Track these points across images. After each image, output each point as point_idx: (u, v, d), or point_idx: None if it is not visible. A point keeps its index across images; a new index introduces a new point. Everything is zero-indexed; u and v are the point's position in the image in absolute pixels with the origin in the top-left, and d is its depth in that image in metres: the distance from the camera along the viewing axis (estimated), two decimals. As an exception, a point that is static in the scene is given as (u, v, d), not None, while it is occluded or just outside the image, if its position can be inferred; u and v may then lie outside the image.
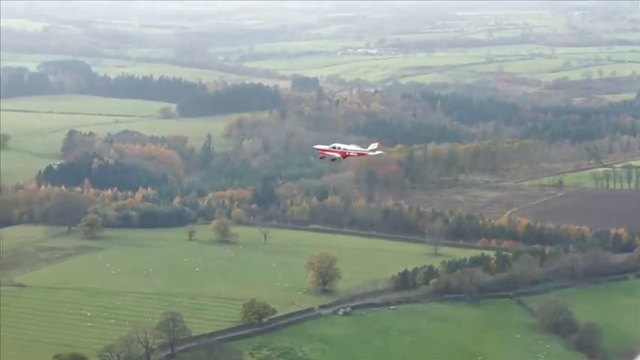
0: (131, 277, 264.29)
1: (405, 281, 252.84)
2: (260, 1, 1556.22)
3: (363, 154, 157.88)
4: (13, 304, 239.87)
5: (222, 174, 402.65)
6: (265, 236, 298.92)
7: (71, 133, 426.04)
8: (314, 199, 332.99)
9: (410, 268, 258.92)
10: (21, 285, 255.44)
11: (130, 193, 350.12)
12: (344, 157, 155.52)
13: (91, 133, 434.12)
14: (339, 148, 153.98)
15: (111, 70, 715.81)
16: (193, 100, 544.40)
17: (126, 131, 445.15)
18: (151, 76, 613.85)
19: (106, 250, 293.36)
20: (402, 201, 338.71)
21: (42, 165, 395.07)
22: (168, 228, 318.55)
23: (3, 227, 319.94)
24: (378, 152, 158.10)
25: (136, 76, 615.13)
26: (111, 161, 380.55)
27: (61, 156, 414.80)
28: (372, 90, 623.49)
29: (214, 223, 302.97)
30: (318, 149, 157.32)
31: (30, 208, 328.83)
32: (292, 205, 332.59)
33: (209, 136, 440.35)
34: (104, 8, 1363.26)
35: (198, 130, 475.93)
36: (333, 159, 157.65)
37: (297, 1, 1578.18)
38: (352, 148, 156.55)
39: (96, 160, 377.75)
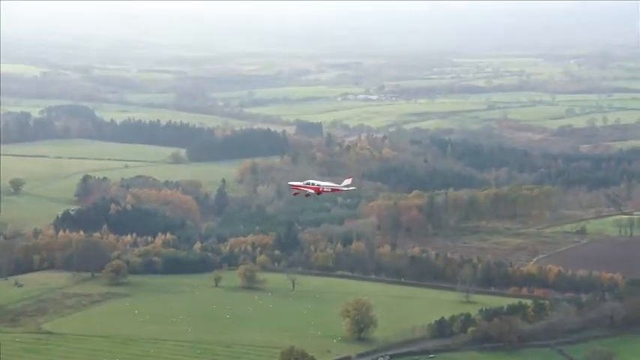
0: (161, 325, 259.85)
1: (441, 329, 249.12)
2: (258, 47, 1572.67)
3: (338, 190, 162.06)
4: (44, 353, 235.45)
5: (239, 219, 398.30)
6: (293, 283, 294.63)
7: (85, 178, 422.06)
8: (338, 245, 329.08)
9: (446, 316, 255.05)
10: (49, 332, 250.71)
11: (149, 238, 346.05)
12: (318, 194, 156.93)
13: (105, 178, 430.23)
14: (313, 184, 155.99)
15: (113, 114, 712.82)
16: (202, 145, 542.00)
17: (140, 176, 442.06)
18: (158, 121, 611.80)
19: (132, 296, 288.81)
20: (428, 248, 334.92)
21: (57, 210, 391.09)
22: (192, 274, 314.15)
23: (24, 273, 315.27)
24: (351, 188, 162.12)
25: (142, 121, 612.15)
26: (128, 206, 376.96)
27: (76, 201, 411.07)
28: (378, 135, 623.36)
29: (241, 269, 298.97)
30: (292, 186, 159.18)
31: (51, 254, 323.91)
32: (316, 251, 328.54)
33: (223, 181, 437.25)
34: (102, 54, 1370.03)
35: (209, 175, 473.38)
36: (307, 195, 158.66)
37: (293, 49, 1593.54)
38: (326, 184, 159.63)
39: (113, 205, 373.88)
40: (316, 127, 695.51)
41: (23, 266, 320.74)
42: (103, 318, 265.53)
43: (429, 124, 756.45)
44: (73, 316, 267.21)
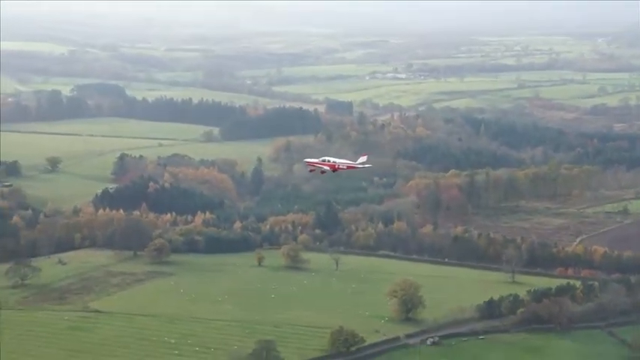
0: (207, 304, 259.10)
1: (490, 310, 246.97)
2: (279, 27, 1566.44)
3: (353, 167, 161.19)
4: (94, 331, 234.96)
5: (276, 198, 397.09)
6: (337, 262, 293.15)
7: (122, 156, 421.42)
8: (379, 225, 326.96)
9: (493, 297, 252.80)
10: (97, 311, 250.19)
11: (189, 217, 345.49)
12: (334, 170, 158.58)
13: (141, 157, 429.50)
14: (329, 161, 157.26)
15: (142, 93, 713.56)
16: (235, 123, 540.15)
17: (175, 155, 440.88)
18: (190, 99, 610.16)
19: (176, 275, 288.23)
20: (469, 227, 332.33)
21: (95, 188, 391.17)
22: (233, 253, 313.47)
23: (65, 252, 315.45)
24: (367, 165, 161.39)
25: (174, 99, 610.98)
26: (166, 185, 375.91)
27: (113, 179, 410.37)
28: (410, 114, 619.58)
29: (284, 248, 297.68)
30: (308, 162, 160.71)
31: (92, 233, 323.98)
32: (357, 230, 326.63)
33: (259, 160, 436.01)
34: (124, 32, 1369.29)
35: (243, 153, 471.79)
36: (323, 172, 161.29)
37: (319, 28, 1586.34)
38: (341, 161, 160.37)
39: (152, 183, 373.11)
40: (346, 106, 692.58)
41: (64, 244, 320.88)
42: (149, 297, 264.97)
43: (460, 103, 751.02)
44: (119, 295, 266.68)
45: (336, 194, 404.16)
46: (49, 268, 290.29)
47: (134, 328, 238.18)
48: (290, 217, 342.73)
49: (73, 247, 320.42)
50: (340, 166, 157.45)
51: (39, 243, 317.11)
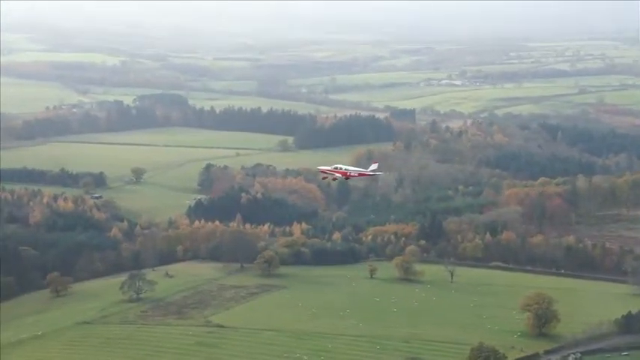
0: (328, 318, 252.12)
1: (629, 325, 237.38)
2: (320, 35, 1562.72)
3: (365, 175, 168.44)
4: (222, 347, 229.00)
5: (366, 208, 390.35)
6: (452, 274, 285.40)
7: (208, 167, 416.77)
8: (487, 235, 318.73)
9: (623, 311, 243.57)
10: (220, 326, 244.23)
11: (287, 228, 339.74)
12: (346, 178, 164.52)
13: (225, 167, 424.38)
14: (341, 169, 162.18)
15: (200, 102, 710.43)
16: (309, 132, 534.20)
17: (259, 164, 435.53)
18: (259, 108, 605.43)
19: (288, 288, 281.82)
20: (581, 237, 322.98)
21: (182, 199, 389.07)
22: (339, 265, 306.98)
23: (167, 264, 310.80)
24: (378, 173, 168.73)
25: (243, 109, 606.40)
26: (259, 195, 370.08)
27: (199, 190, 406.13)
28: (481, 121, 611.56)
29: (397, 260, 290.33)
30: (321, 170, 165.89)
31: (194, 244, 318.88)
32: (463, 241, 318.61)
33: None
34: (171, 42, 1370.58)
35: (321, 162, 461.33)
36: (334, 178, 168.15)
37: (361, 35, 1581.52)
38: (354, 168, 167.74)
39: (244, 194, 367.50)
40: (409, 113, 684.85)
41: (166, 257, 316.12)
42: (268, 311, 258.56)
43: (521, 109, 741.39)
44: (237, 309, 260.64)
45: (425, 203, 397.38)
46: (158, 281, 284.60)
47: (262, 344, 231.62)
48: (391, 227, 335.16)
49: (175, 260, 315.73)
50: (352, 174, 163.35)
51: (141, 256, 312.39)
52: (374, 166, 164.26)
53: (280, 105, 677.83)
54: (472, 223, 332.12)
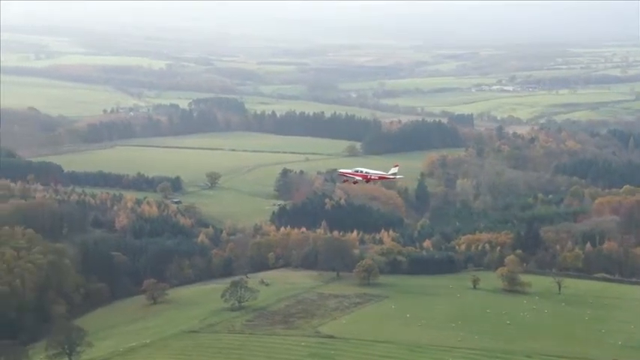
0: (440, 330, 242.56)
1: None
2: (357, 40, 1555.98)
3: (385, 178, 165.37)
4: (338, 359, 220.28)
5: (448, 216, 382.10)
6: (559, 285, 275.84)
7: (285, 172, 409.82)
8: (587, 245, 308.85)
9: None
10: (331, 337, 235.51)
11: (376, 236, 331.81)
12: (367, 181, 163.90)
13: (301, 172, 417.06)
14: (362, 172, 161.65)
15: (254, 106, 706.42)
16: (376, 137, 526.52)
17: (333, 169, 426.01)
18: (322, 113, 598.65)
19: (391, 298, 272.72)
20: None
21: (261, 204, 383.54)
22: (437, 275, 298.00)
23: (259, 271, 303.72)
24: (398, 176, 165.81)
25: (305, 113, 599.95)
26: (342, 202, 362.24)
27: (277, 195, 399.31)
28: (543, 127, 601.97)
29: (502, 270, 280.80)
30: (341, 173, 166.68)
31: (286, 252, 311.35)
32: (563, 250, 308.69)
33: (422, 175, 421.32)
34: (213, 46, 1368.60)
35: (390, 168, 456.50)
36: (355, 182, 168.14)
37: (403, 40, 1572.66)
38: (374, 172, 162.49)
39: (328, 200, 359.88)
40: (467, 119, 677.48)
41: (257, 264, 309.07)
42: (376, 322, 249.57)
43: (580, 115, 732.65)
44: (344, 319, 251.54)
45: (506, 211, 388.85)
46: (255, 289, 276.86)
47: (377, 357, 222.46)
48: (483, 236, 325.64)
49: (266, 267, 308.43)
50: (372, 177, 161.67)
51: (232, 263, 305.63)
52: (394, 169, 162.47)
53: (332, 109, 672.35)
54: (569, 232, 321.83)
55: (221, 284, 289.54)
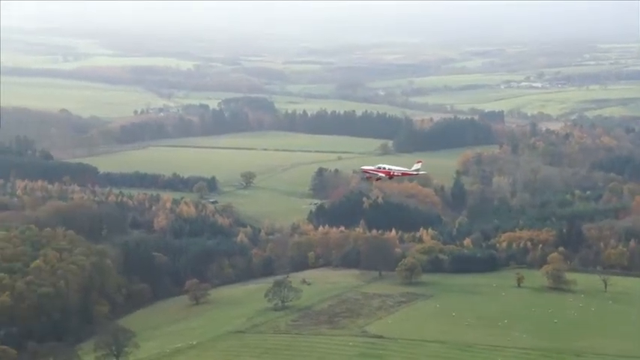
0: (488, 329, 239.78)
1: None
2: (381, 38, 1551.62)
3: (408, 174, 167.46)
4: (388, 359, 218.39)
5: (486, 213, 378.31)
6: (606, 283, 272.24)
7: (320, 171, 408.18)
8: (631, 242, 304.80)
9: None
10: (379, 336, 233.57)
11: (415, 234, 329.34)
12: (390, 177, 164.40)
13: (336, 171, 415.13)
14: (385, 168, 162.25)
15: (283, 105, 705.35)
16: (408, 135, 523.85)
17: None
18: (354, 111, 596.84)
19: (435, 297, 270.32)
20: None
21: (297, 204, 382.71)
22: (479, 273, 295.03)
23: (299, 271, 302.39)
24: (422, 172, 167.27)
25: (337, 112, 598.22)
26: (380, 200, 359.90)
27: (312, 195, 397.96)
28: (577, 123, 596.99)
29: (547, 268, 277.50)
30: (364, 170, 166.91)
31: (326, 251, 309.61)
32: (607, 248, 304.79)
33: (458, 173, 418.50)
34: (239, 47, 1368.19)
35: (425, 166, 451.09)
36: (378, 178, 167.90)
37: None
38: (397, 168, 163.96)
39: (365, 199, 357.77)
40: (497, 116, 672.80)
41: (297, 263, 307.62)
42: (422, 321, 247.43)
43: (612, 112, 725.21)
44: (390, 319, 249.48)
45: (544, 208, 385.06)
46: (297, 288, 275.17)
47: (428, 357, 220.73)
48: (524, 233, 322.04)
49: (306, 267, 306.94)
50: (395, 173, 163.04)
51: (272, 262, 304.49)
52: (417, 165, 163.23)
53: (362, 107, 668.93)
54: (612, 229, 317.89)
55: (262, 284, 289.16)
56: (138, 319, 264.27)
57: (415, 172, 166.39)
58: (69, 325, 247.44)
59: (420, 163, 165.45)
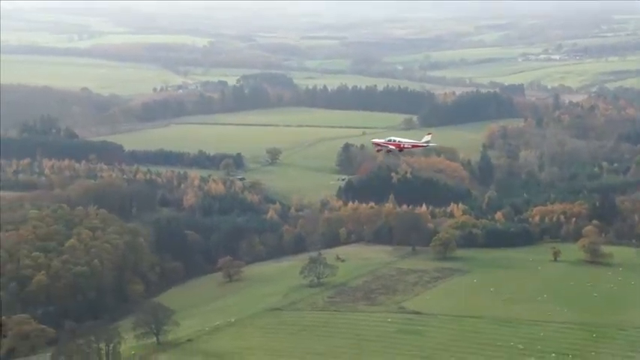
0: (527, 304, 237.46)
1: None
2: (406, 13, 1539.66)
3: (418, 146, 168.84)
4: (427, 335, 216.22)
5: (515, 187, 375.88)
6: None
7: (346, 146, 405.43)
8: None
9: None
10: (417, 312, 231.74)
11: (446, 209, 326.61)
12: (400, 150, 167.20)
13: (362, 146, 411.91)
14: (395, 141, 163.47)
15: (301, 81, 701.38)
16: (432, 110, 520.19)
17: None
18: (375, 86, 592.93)
19: (471, 272, 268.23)
20: None
21: (324, 179, 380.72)
22: (513, 247, 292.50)
23: (331, 247, 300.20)
24: (432, 144, 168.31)
25: (358, 87, 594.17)
26: (408, 175, 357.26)
27: (339, 170, 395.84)
28: (601, 95, 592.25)
29: (583, 241, 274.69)
30: (375, 143, 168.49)
31: (357, 227, 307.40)
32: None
33: (484, 147, 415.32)
34: (252, 23, 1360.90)
35: (451, 141, 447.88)
36: (389, 151, 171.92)
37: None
38: (406, 140, 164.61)
39: (394, 174, 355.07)
40: (517, 89, 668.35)
41: (329, 240, 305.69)
42: (460, 296, 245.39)
43: (632, 83, 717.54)
44: (426, 295, 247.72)
45: (573, 181, 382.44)
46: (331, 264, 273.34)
47: (467, 332, 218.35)
48: (556, 207, 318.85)
49: (339, 243, 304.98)
50: (405, 146, 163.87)
51: (303, 239, 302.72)
52: (427, 137, 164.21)
53: (380, 82, 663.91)
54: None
55: (294, 261, 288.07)
56: (173, 297, 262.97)
57: (425, 144, 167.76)
58: (105, 304, 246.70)
59: (430, 135, 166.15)
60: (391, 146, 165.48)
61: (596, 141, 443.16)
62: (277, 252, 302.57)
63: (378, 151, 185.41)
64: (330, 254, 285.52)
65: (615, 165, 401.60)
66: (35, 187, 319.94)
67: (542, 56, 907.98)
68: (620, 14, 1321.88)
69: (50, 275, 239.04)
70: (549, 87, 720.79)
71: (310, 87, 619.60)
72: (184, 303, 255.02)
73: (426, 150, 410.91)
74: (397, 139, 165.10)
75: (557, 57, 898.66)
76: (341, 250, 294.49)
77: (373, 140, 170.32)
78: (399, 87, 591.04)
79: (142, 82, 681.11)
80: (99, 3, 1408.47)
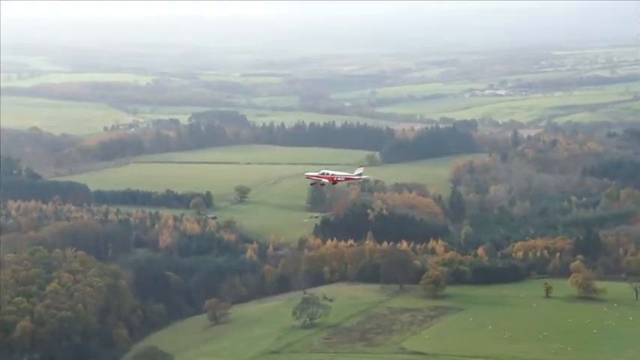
0: (530, 342, 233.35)
1: None
2: (330, 50, 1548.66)
3: (351, 179, 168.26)
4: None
5: (489, 223, 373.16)
6: (637, 292, 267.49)
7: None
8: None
9: None
10: (421, 353, 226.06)
11: (427, 245, 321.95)
12: (333, 183, 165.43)
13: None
14: (328, 174, 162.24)
15: (252, 118, 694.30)
16: (393, 146, 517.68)
17: (365, 179, 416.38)
18: (333, 122, 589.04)
19: (465, 310, 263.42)
20: None
21: (295, 218, 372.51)
22: (501, 284, 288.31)
23: (315, 286, 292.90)
24: (364, 177, 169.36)
25: (316, 124, 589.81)
26: (384, 212, 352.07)
27: (310, 208, 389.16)
28: (560, 130, 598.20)
29: (576, 277, 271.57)
30: (309, 176, 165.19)
31: (341, 265, 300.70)
32: (626, 255, 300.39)
33: (454, 182, 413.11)
34: (192, 61, 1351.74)
35: (417, 176, 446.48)
36: (322, 184, 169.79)
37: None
38: (340, 173, 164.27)
39: (370, 211, 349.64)
40: (470, 124, 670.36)
41: (313, 279, 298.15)
42: (459, 335, 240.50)
43: (580, 117, 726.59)
44: (424, 334, 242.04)
45: (545, 216, 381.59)
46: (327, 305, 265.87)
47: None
48: (538, 242, 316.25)
49: (322, 282, 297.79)
50: (339, 179, 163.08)
51: (286, 278, 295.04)
52: (359, 170, 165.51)
53: (330, 119, 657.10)
54: (628, 235, 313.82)
55: (278, 301, 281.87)
56: (160, 341, 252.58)
57: (358, 177, 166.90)
58: (90, 349, 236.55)
59: (362, 168, 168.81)
60: (324, 179, 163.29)
61: (561, 175, 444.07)
62: (259, 292, 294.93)
63: (312, 184, 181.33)
64: (315, 294, 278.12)
65: (584, 199, 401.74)
66: (3, 229, 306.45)
67: (487, 92, 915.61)
68: (558, 50, 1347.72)
69: (34, 321, 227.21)
70: (500, 122, 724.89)
71: (267, 124, 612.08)
72: (173, 348, 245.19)
73: (398, 186, 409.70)
74: (330, 172, 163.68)
75: (502, 92, 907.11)
76: (326, 290, 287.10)
77: (307, 174, 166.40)
78: (358, 123, 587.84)
79: (90, 121, 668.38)
80: (36, 40, 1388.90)
